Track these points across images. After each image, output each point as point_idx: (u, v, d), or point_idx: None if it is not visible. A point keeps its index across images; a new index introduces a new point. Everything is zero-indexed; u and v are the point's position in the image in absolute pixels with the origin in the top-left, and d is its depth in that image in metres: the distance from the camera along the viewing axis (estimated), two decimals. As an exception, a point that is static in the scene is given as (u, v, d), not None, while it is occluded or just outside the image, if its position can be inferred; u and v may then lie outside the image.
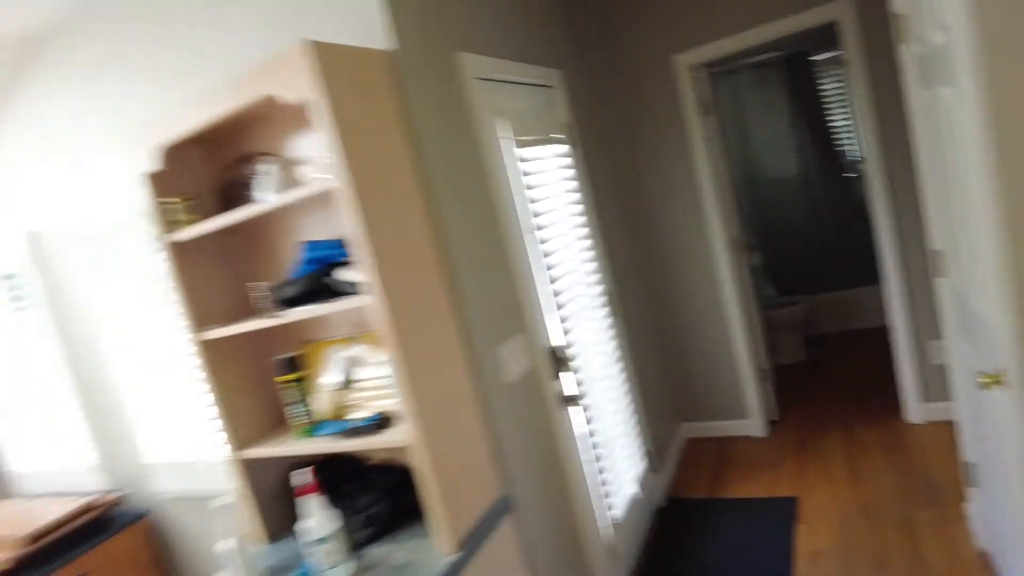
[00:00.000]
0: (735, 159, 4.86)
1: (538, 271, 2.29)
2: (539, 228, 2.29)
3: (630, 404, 2.86)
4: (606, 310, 2.77)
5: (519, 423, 2.04)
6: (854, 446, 3.20)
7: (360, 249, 1.54)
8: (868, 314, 4.66)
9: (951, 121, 1.62)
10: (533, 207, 2.29)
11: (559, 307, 2.33)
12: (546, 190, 2.40)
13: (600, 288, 2.74)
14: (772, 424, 3.62)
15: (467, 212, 1.95)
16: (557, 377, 2.30)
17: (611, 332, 2.78)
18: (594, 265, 2.71)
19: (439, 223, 1.82)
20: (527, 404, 2.11)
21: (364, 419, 1.84)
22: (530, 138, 2.40)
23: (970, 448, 2.16)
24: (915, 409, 3.20)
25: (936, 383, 3.14)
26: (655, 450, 3.17)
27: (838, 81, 4.92)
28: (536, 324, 2.21)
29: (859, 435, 3.28)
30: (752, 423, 3.55)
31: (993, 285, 1.42)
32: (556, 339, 2.34)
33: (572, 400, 2.34)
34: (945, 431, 3.08)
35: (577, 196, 2.66)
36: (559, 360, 2.31)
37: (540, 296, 2.28)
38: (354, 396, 2.02)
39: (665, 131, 3.38)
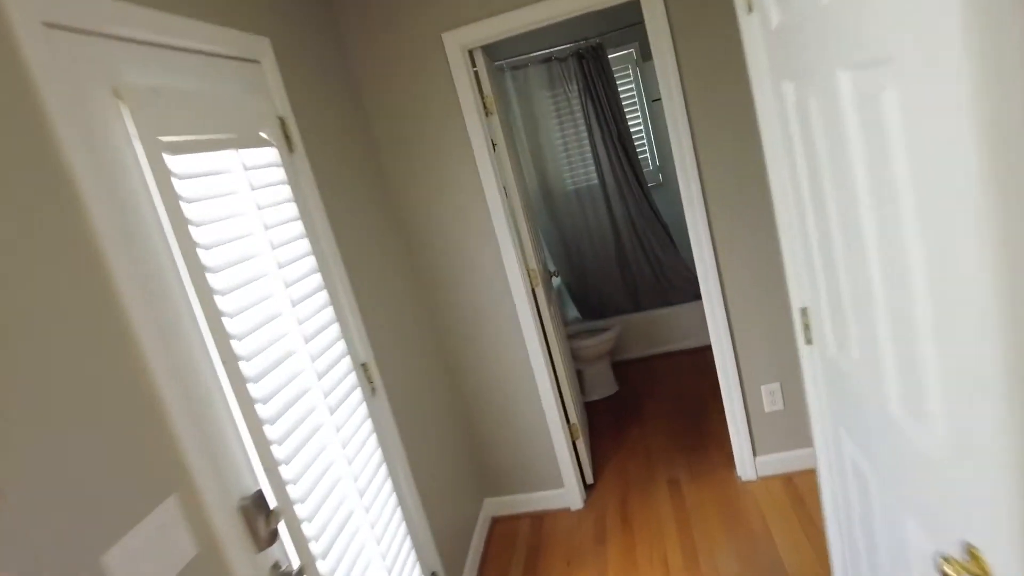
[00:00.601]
0: (527, 167, 4.24)
1: (217, 368, 1.33)
2: (215, 294, 1.33)
3: (401, 520, 2.00)
4: (357, 392, 1.88)
5: None
6: (686, 517, 2.66)
7: None
8: (677, 336, 4.31)
9: (851, 131, 0.98)
10: (204, 258, 1.32)
11: (263, 421, 1.40)
12: (233, 226, 1.44)
13: (345, 363, 1.84)
14: (589, 489, 3.00)
15: (21, 287, 0.94)
16: (270, 540, 1.37)
17: (367, 424, 1.89)
18: (332, 331, 1.80)
19: None
20: (185, 631, 1.14)
21: None
22: (204, 139, 1.43)
23: (843, 572, 1.62)
24: (747, 465, 2.75)
25: (768, 433, 2.70)
26: (445, 568, 2.35)
27: (632, 81, 4.53)
28: (212, 465, 1.25)
29: (689, 500, 2.76)
30: (567, 493, 2.89)
31: (989, 412, 0.78)
32: (260, 476, 1.40)
33: (299, 574, 1.42)
34: (781, 489, 2.65)
35: (297, 229, 1.73)
36: (268, 515, 1.37)
37: (220, 412, 1.32)
38: None
39: (439, 133, 2.57)
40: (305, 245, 1.75)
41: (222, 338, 1.32)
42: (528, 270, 2.75)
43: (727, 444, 3.02)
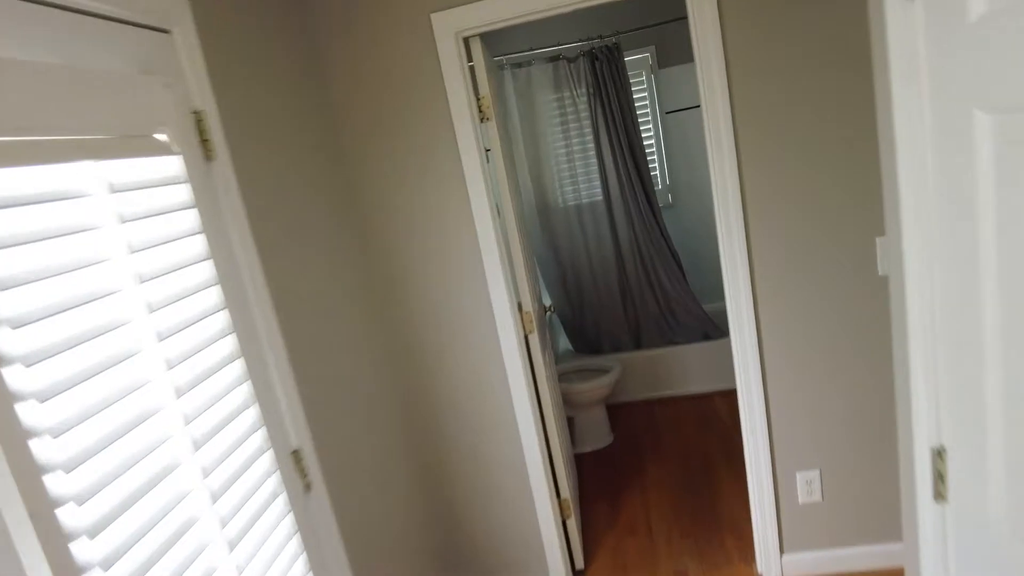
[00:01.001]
0: (522, 178, 3.74)
1: (15, 532, 0.81)
2: (21, 400, 0.81)
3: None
4: (280, 500, 1.36)
5: None
6: (695, 626, 2.17)
7: None
8: (682, 379, 3.83)
9: None
10: (7, 343, 0.81)
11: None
12: (77, 284, 0.92)
13: (265, 460, 1.33)
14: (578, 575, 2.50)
15: None
16: None
17: (292, 544, 1.37)
18: (248, 418, 1.28)
19: None
20: None
21: None
22: (35, 142, 0.90)
23: None
24: (771, 562, 2.26)
25: (801, 528, 2.22)
26: None
27: (645, 89, 4.05)
28: None
29: (698, 602, 2.27)
30: (552, 583, 2.39)
31: None
32: None
33: None
34: (812, 599, 2.18)
35: (203, 275, 1.21)
36: None
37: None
38: None
39: (420, 142, 2.06)
40: (214, 297, 1.23)
41: (29, 474, 0.80)
42: (522, 313, 2.25)
43: (746, 531, 2.54)
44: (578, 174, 3.74)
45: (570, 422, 3.41)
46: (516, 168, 3.70)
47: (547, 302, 3.97)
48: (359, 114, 2.07)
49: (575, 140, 3.65)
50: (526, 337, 2.27)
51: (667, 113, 4.12)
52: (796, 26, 1.84)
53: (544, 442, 2.30)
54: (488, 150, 2.18)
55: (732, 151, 1.94)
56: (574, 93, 3.55)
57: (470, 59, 2.08)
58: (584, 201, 3.77)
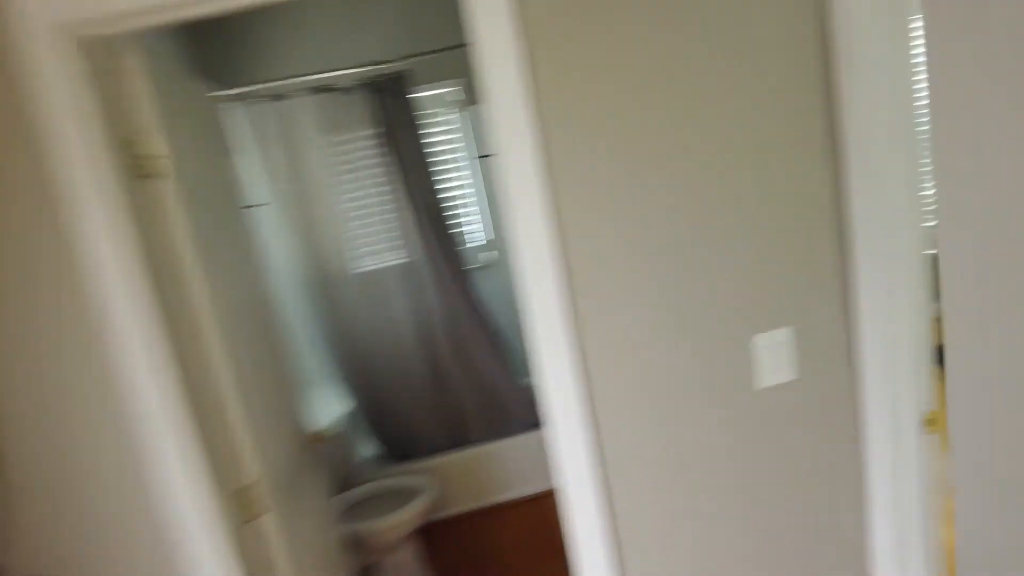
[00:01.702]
0: (296, 241, 2.87)
1: None
2: None
3: None
4: None
5: None
6: None
7: None
8: (514, 479, 3.12)
9: None
10: None
11: None
12: None
13: None
14: None
15: None
16: None
17: None
18: None
19: None
20: None
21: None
22: None
23: None
24: None
25: None
26: None
27: (459, 130, 3.39)
28: None
29: None
30: None
31: None
32: None
33: None
34: None
35: None
36: None
37: None
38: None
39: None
40: None
41: None
42: (238, 488, 1.38)
43: None
44: (366, 235, 2.94)
45: (369, 570, 2.55)
46: (289, 230, 2.83)
47: (318, 429, 3.06)
48: None
49: (359, 193, 2.86)
50: (252, 520, 1.41)
51: (483, 157, 3.49)
52: (648, 35, 1.22)
53: None
54: (147, 222, 1.32)
55: (548, 224, 1.26)
56: (355, 134, 2.77)
57: (120, 82, 1.22)
58: (375, 268, 2.97)
